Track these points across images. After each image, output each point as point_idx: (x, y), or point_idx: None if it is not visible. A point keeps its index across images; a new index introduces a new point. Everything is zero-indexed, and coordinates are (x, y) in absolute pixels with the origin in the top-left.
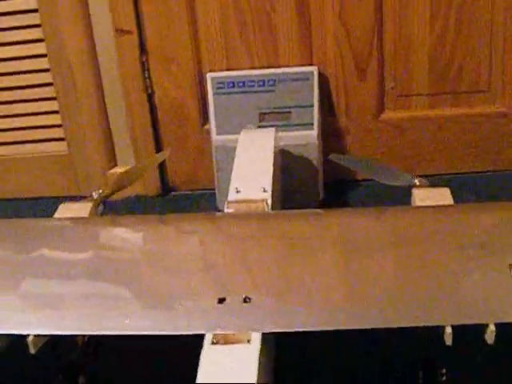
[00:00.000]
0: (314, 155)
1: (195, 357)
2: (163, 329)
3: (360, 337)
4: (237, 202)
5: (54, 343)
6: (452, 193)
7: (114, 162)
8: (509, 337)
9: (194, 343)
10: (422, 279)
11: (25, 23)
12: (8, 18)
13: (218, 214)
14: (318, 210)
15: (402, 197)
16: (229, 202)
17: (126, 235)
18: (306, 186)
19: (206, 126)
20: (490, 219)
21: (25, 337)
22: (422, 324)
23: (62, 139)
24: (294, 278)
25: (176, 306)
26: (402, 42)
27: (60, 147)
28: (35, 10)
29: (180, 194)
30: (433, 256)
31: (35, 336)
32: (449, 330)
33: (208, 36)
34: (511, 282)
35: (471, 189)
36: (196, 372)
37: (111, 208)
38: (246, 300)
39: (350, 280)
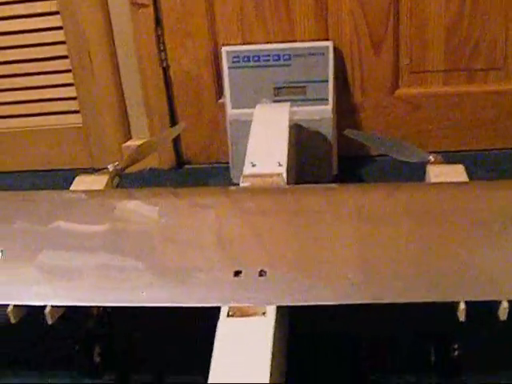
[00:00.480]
0: (329, 130)
1: (211, 328)
2: (179, 301)
3: (373, 310)
4: (252, 175)
5: (70, 313)
6: (466, 170)
7: (128, 135)
8: None
9: (211, 315)
10: (436, 255)
11: None
12: None
13: (233, 187)
14: (333, 185)
15: (416, 173)
16: (244, 176)
17: (141, 208)
18: (320, 160)
19: (221, 100)
20: (506, 196)
21: (42, 308)
22: (435, 300)
23: (77, 112)
24: (308, 253)
25: (191, 278)
26: (417, 18)
27: (75, 120)
28: None
29: (194, 167)
30: (448, 232)
31: (52, 307)
32: (462, 305)
33: (223, 10)
34: None
35: (485, 166)
36: (212, 343)
37: (126, 180)
38: (261, 273)
39: (365, 255)
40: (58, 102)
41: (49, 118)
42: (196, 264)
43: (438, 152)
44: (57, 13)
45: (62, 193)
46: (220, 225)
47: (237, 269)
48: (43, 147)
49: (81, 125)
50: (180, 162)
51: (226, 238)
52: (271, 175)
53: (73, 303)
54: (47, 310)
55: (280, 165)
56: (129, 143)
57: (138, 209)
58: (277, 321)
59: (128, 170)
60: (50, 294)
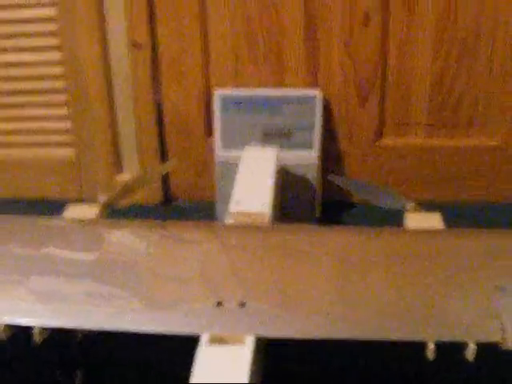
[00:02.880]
0: (314, 175)
1: (190, 356)
2: (161, 328)
3: (345, 347)
4: (237, 213)
5: (53, 338)
6: (445, 219)
7: (119, 169)
8: (489, 356)
9: (190, 343)
10: (410, 297)
11: (42, 30)
12: (26, 24)
13: (219, 223)
14: (316, 226)
15: (396, 221)
16: (230, 213)
17: (129, 239)
18: (303, 204)
19: (210, 140)
20: (480, 244)
21: (26, 331)
22: (406, 338)
23: (69, 145)
24: (288, 288)
25: (174, 308)
26: (403, 73)
27: (67, 152)
28: (53, 19)
29: (181, 204)
30: (422, 276)
31: (39, 328)
32: (431, 345)
33: (218, 53)
34: (496, 303)
35: (463, 217)
36: (191, 371)
37: (114, 215)
38: (241, 304)
39: (343, 293)
40: (52, 135)
41: (42, 149)
42: (179, 295)
43: (419, 201)
44: (57, 47)
45: (55, 220)
46: (204, 259)
47: (218, 300)
48: (35, 178)
49: (73, 158)
50: (167, 198)
51: (210, 272)
52: (256, 214)
53: (59, 325)
54: (35, 330)
55: (265, 205)
56: (119, 177)
57: (127, 240)
58: (255, 350)
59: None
60: (38, 314)
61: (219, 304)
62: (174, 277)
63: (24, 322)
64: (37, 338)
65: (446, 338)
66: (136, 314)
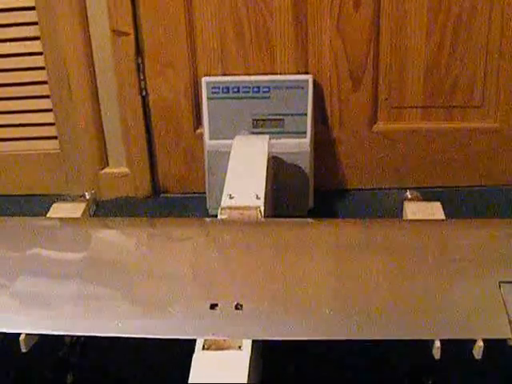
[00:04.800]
0: (306, 163)
1: (186, 360)
2: (155, 332)
3: (347, 346)
4: (230, 208)
5: (43, 342)
6: (443, 204)
7: (105, 163)
8: (496, 352)
9: (186, 347)
10: (411, 292)
11: (21, 20)
12: (5, 14)
13: (211, 219)
14: (310, 220)
15: (392, 207)
16: (222, 208)
17: (117, 238)
18: (296, 193)
19: (199, 130)
20: (481, 236)
21: (16, 335)
22: (410, 337)
23: (54, 137)
24: (285, 287)
25: (167, 310)
26: (397, 54)
27: (52, 145)
28: (32, 8)
29: (170, 196)
30: (423, 270)
31: (27, 335)
32: (437, 344)
33: (204, 40)
34: (500, 299)
35: (461, 203)
36: (187, 376)
37: (102, 208)
38: (237, 307)
39: (340, 290)
40: (36, 128)
41: (26, 143)
42: (172, 296)
43: (415, 188)
44: (37, 38)
45: (39, 220)
46: (196, 257)
47: (213, 302)
48: (19, 172)
49: (58, 151)
50: (156, 190)
51: (203, 271)
52: (249, 208)
53: (48, 332)
54: (22, 337)
55: (258, 198)
56: (106, 170)
57: (115, 239)
58: (252, 354)
59: (104, 198)
60: (24, 321)
61: (214, 306)
62: (165, 277)
63: (9, 329)
64: (23, 345)
65: (453, 335)
66: (127, 318)
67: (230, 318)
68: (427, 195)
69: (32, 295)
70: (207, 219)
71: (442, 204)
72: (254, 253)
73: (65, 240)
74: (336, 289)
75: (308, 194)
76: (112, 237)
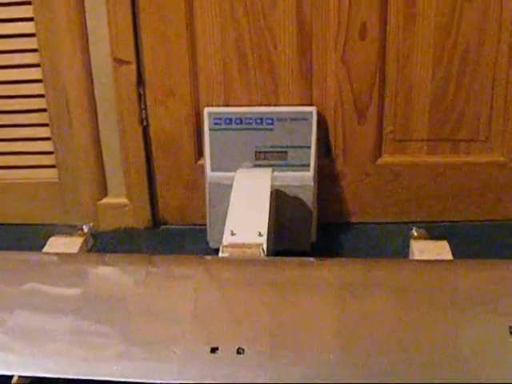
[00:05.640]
0: (309, 197)
1: None
2: (154, 377)
3: None
4: (232, 245)
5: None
6: (449, 239)
7: (104, 193)
8: None
9: None
10: (417, 338)
11: (22, 47)
12: (5, 40)
13: (212, 257)
14: (313, 259)
15: (394, 242)
16: (224, 246)
17: (115, 276)
18: (298, 227)
19: (200, 162)
20: (491, 278)
21: (7, 377)
22: (418, 382)
23: (52, 166)
24: (288, 330)
25: (166, 353)
26: (403, 87)
27: (50, 174)
28: (33, 35)
29: (170, 227)
30: (430, 313)
31: (19, 377)
32: None
33: (207, 70)
34: (510, 345)
35: (467, 238)
36: None
37: (100, 240)
38: (239, 351)
39: (344, 334)
40: (34, 156)
41: (24, 171)
42: (171, 337)
43: (419, 222)
44: (37, 65)
45: (36, 254)
46: (197, 297)
47: (213, 345)
48: (17, 201)
49: (57, 180)
50: (156, 221)
51: (203, 312)
52: (251, 246)
53: (41, 374)
54: (14, 379)
55: (261, 235)
56: (104, 200)
57: (112, 276)
58: None
59: (103, 229)
60: (17, 362)
61: (215, 350)
62: (165, 317)
63: (1, 371)
64: None
65: (462, 380)
66: (125, 361)
67: (232, 363)
68: (432, 230)
69: (26, 332)
70: (208, 257)
71: (448, 239)
72: (257, 294)
73: (61, 276)
74: (340, 332)
75: (311, 227)
76: (109, 274)
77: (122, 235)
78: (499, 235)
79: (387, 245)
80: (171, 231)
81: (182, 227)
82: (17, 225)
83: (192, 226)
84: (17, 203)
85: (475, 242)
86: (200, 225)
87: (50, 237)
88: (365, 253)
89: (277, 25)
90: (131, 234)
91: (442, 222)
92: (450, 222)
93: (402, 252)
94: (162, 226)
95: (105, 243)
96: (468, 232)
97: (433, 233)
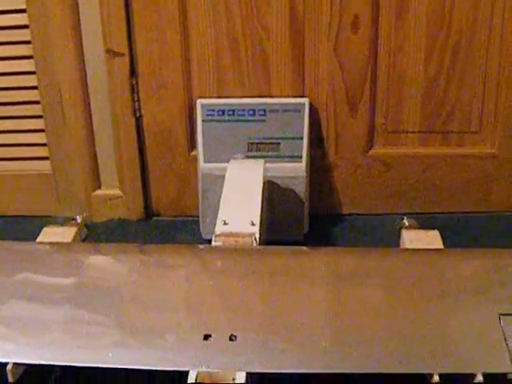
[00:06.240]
0: (301, 188)
1: None
2: (146, 363)
3: (344, 379)
4: (224, 234)
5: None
6: (440, 230)
7: (97, 184)
8: None
9: (178, 379)
10: (409, 325)
11: (14, 39)
12: None
13: (205, 246)
14: (306, 248)
15: (387, 233)
16: (216, 235)
17: (109, 265)
18: (291, 218)
19: (193, 153)
20: (481, 266)
21: (3, 365)
22: (409, 371)
23: (46, 158)
24: (280, 317)
25: (159, 340)
26: (395, 78)
27: (44, 166)
28: (26, 26)
29: (163, 219)
30: (422, 301)
31: (14, 364)
32: (436, 378)
33: (200, 62)
34: (500, 332)
35: (458, 229)
36: None
37: (94, 231)
38: (231, 338)
39: (337, 322)
40: (28, 148)
41: (17, 163)
42: (164, 325)
43: (411, 213)
44: (30, 57)
45: (30, 244)
46: (190, 286)
47: (206, 332)
48: (10, 193)
49: (50, 172)
50: (149, 213)
51: (196, 300)
52: (244, 235)
53: (36, 361)
54: (9, 367)
55: (253, 224)
56: (98, 192)
57: (106, 265)
58: None
59: (96, 220)
60: (12, 350)
61: (207, 337)
62: (158, 305)
63: None
64: (10, 375)
65: (452, 369)
66: (118, 348)
67: (224, 350)
68: (423, 221)
69: (20, 321)
70: (201, 246)
71: (439, 230)
72: (249, 282)
73: (55, 265)
74: (332, 320)
75: (303, 218)
76: (103, 263)
77: (115, 227)
78: (489, 226)
79: (379, 236)
80: (164, 223)
81: (175, 219)
82: (10, 216)
83: (185, 218)
84: (10, 195)
85: (466, 233)
86: (193, 216)
87: (43, 228)
88: (356, 243)
89: (269, 17)
90: (124, 226)
91: (433, 213)
92: (441, 213)
93: (394, 243)
94: (155, 218)
95: (98, 235)
96: (459, 223)
97: (424, 224)
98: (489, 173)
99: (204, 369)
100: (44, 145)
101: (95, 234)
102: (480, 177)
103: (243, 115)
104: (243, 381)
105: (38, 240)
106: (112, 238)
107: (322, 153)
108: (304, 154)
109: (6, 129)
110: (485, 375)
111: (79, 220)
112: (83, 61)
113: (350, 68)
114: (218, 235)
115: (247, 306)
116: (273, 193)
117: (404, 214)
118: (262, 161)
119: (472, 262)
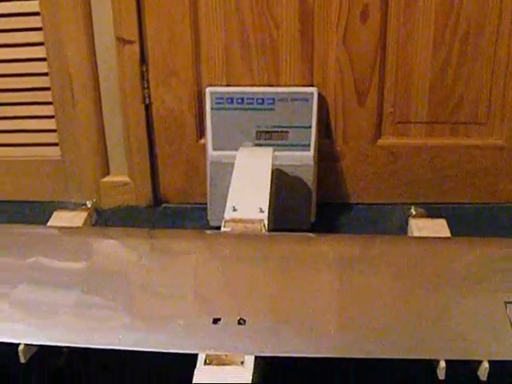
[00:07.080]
0: (309, 176)
1: (188, 375)
2: (156, 346)
3: (350, 364)
4: (233, 220)
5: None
6: (448, 220)
7: (106, 171)
8: (501, 374)
9: (187, 361)
10: (416, 311)
11: (26, 25)
12: (9, 19)
13: (214, 232)
14: (314, 235)
15: (394, 222)
16: (225, 221)
17: (119, 249)
18: (298, 206)
19: (202, 141)
20: (487, 255)
21: (15, 345)
22: (415, 357)
23: (55, 144)
24: (288, 302)
25: (169, 324)
26: (403, 68)
27: (53, 152)
28: (37, 13)
29: (171, 206)
30: (429, 288)
31: (26, 345)
32: (442, 364)
33: (210, 50)
34: (506, 319)
35: (465, 219)
36: None
37: (102, 217)
38: (240, 322)
39: (344, 308)
40: (38, 134)
41: (27, 149)
42: (174, 309)
43: (418, 203)
44: (41, 43)
45: (40, 228)
46: (199, 270)
47: (215, 316)
48: (20, 178)
49: (59, 158)
50: (157, 200)
51: (205, 285)
52: (253, 221)
53: (47, 342)
54: (20, 347)
55: (262, 211)
56: (106, 179)
57: (116, 249)
58: (255, 370)
59: (105, 207)
60: (23, 331)
61: (216, 321)
62: (168, 290)
63: (8, 339)
64: (22, 356)
65: (458, 356)
66: (128, 331)
67: (233, 333)
68: (431, 211)
69: (32, 304)
70: (210, 232)
71: (446, 220)
72: (258, 267)
73: (66, 249)
74: (340, 306)
75: (310, 207)
76: (114, 247)
77: (124, 213)
78: (496, 217)
79: (386, 225)
80: (172, 210)
81: (183, 206)
82: (20, 201)
83: (193, 205)
84: (20, 180)
85: (472, 223)
86: (201, 204)
87: (52, 213)
88: (363, 233)
89: (279, 6)
90: (132, 213)
91: (440, 203)
92: (448, 203)
93: (401, 233)
94: (163, 205)
95: (106, 221)
96: (466, 214)
97: (431, 214)
98: (496, 164)
99: (213, 352)
100: (54, 131)
101: (103, 221)
102: (487, 167)
103: (252, 103)
104: (252, 364)
105: (48, 224)
106: (120, 225)
107: (330, 142)
108: (312, 142)
109: (16, 115)
110: (491, 362)
111: (89, 205)
112: (93, 48)
113: (359, 58)
114: (228, 221)
115: (256, 291)
116: (281, 181)
117: (411, 204)
118: (270, 149)
119: (479, 250)
